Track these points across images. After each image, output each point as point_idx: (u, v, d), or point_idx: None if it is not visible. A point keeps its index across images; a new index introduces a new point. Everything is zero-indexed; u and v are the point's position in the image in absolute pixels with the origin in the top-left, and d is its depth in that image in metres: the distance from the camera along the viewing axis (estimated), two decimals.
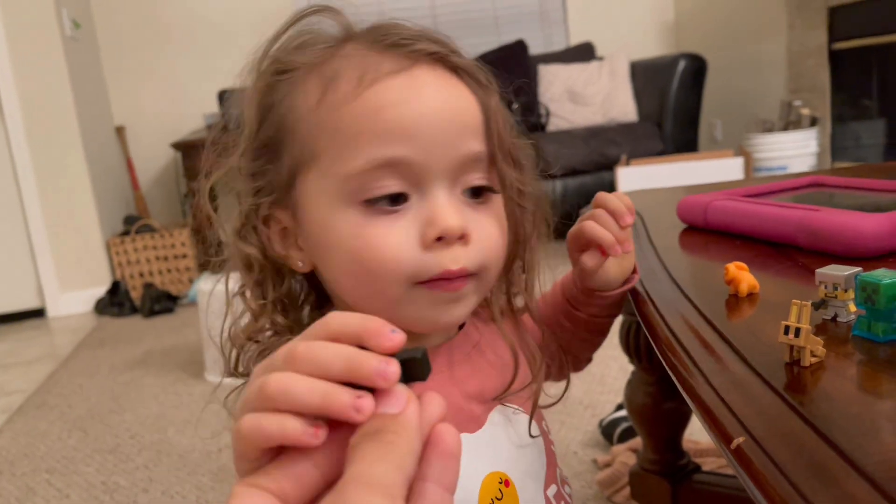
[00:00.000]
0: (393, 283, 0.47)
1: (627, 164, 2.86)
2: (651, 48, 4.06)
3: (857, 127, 3.23)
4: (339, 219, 0.47)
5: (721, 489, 1.03)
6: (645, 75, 3.54)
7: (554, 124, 3.55)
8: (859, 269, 0.48)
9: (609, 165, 3.14)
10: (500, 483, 0.52)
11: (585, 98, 3.55)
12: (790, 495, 0.31)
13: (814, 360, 0.43)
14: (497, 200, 0.52)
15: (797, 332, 0.42)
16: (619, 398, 1.21)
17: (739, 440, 0.36)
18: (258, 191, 0.52)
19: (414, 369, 0.28)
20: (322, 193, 0.48)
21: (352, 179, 0.46)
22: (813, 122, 3.02)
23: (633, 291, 0.64)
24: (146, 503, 1.48)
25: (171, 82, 3.83)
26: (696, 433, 1.32)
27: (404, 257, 0.46)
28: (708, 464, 1.22)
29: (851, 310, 0.48)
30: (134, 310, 3.12)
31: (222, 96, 3.44)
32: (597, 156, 3.24)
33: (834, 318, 0.49)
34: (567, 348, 0.68)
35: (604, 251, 0.60)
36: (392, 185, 0.46)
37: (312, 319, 0.47)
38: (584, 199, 3.12)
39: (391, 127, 0.45)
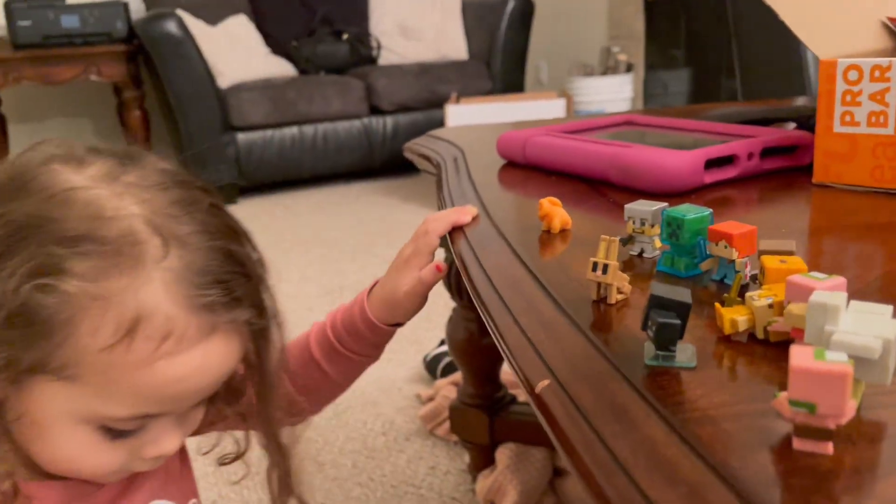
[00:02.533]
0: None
1: (457, 101, 2.86)
2: None
3: (665, 75, 3.44)
4: (69, 431, 0.46)
5: (534, 418, 1.07)
6: (475, 13, 3.53)
7: (385, 58, 3.46)
8: (665, 204, 0.48)
9: (439, 103, 3.13)
10: None
11: (417, 33, 3.48)
12: (590, 441, 0.29)
13: (620, 297, 0.43)
14: None
15: (605, 268, 0.41)
16: (444, 334, 1.22)
17: (543, 384, 0.34)
18: None
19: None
20: (62, 405, 0.45)
21: (105, 418, 0.46)
22: (629, 68, 3.17)
23: (452, 230, 0.62)
24: None
25: None
26: None
27: (115, 469, 0.48)
28: (523, 394, 1.26)
29: (657, 245, 0.48)
30: None
31: None
32: (427, 93, 3.21)
33: (640, 254, 0.49)
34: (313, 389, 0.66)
35: (440, 267, 0.61)
36: (136, 426, 0.47)
37: None
38: (414, 136, 3.10)
39: (166, 396, 0.46)
